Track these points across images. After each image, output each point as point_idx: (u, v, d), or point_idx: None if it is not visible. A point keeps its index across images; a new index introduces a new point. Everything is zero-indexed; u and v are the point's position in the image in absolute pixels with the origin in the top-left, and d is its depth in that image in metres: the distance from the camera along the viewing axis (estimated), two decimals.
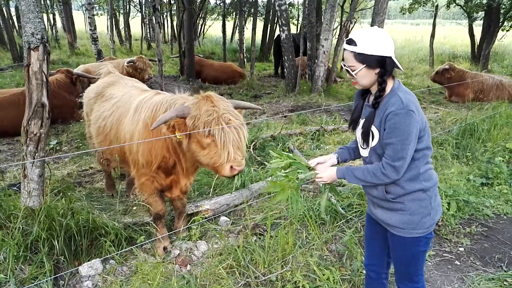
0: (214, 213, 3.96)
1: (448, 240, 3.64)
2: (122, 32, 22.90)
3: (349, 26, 9.56)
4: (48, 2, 22.19)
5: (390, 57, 1.94)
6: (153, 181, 3.16)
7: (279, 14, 9.62)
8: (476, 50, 15.82)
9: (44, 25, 2.62)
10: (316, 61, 9.49)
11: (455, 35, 28.23)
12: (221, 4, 20.47)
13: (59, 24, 23.40)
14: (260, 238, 3.55)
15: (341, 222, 3.71)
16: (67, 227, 3.03)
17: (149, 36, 22.91)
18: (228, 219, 3.92)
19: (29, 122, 2.74)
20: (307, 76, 10.36)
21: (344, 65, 2.05)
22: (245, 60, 15.48)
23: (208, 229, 3.73)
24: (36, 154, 2.84)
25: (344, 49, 2.02)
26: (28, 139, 2.78)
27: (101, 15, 27.99)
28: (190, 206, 3.83)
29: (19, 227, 2.81)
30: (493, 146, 5.62)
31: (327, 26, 8.93)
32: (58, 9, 21.79)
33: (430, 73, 13.56)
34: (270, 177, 3.66)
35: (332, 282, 2.91)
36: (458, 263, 3.33)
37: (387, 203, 2.07)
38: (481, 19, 15.93)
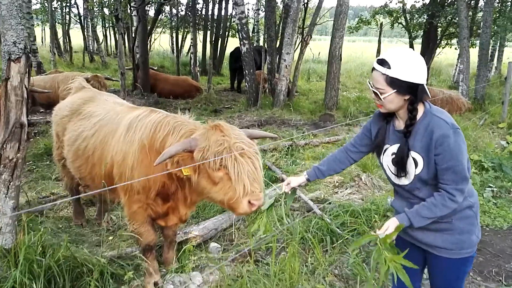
0: (202, 239, 3.66)
1: None
2: (61, 44, 21.52)
3: (309, 40, 9.72)
4: None
5: (423, 84, 1.86)
6: (146, 208, 2.81)
7: (239, 28, 9.53)
8: None
9: (27, 33, 2.23)
10: (278, 75, 9.49)
11: None
12: (173, 18, 20.06)
13: None
14: (258, 265, 3.32)
15: (339, 242, 3.59)
16: (46, 267, 2.60)
17: (91, 48, 21.75)
18: (219, 246, 3.64)
19: (4, 146, 2.30)
20: (267, 90, 10.33)
21: (371, 86, 1.94)
22: (198, 74, 15.18)
23: (200, 257, 3.42)
24: (11, 183, 2.39)
25: (374, 68, 1.91)
26: (2, 165, 2.33)
27: (38, 25, 26.17)
28: (179, 233, 3.50)
29: None
30: None
31: (288, 41, 8.98)
32: None
33: None
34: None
35: None
36: None
37: (433, 225, 1.96)
38: (420, 38, 17.09)
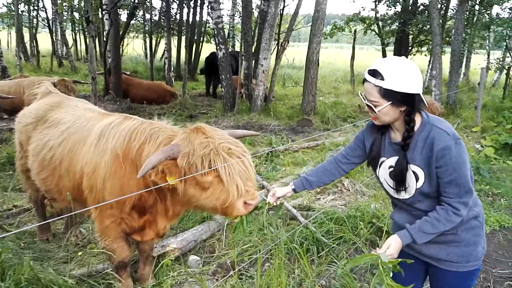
0: (181, 252, 3.44)
1: None
2: (28, 48, 20.66)
3: (286, 45, 9.65)
4: None
5: (419, 94, 1.75)
6: (120, 223, 2.58)
7: (215, 32, 9.35)
8: None
9: None
10: (255, 80, 9.36)
11: (362, 58, 30.65)
12: (146, 22, 19.65)
13: None
14: (242, 279, 3.13)
15: (325, 251, 3.45)
16: None
17: (60, 52, 20.98)
18: (199, 258, 3.43)
19: None
20: (243, 95, 10.18)
21: (364, 98, 1.82)
22: (173, 79, 14.87)
23: (180, 272, 3.20)
24: None
25: (366, 80, 1.79)
26: None
27: (3, 29, 25.06)
28: (156, 247, 3.26)
29: None
30: None
31: (266, 46, 8.88)
32: None
33: (353, 92, 14.35)
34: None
35: None
36: None
37: (437, 237, 1.84)
38: (392, 45, 17.42)
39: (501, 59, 15.14)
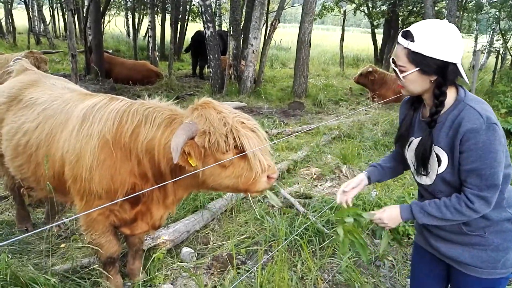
0: (173, 244, 3.20)
1: None
2: (4, 24, 19.64)
3: (277, 25, 9.28)
4: None
5: (455, 64, 1.50)
6: (108, 215, 2.32)
7: (203, 10, 8.90)
8: (378, 54, 17.02)
9: None
10: (244, 61, 9.00)
11: (351, 40, 30.38)
12: None
13: None
14: (239, 273, 2.91)
15: (326, 243, 3.26)
16: None
17: (37, 29, 20.02)
18: (192, 250, 3.20)
19: None
20: (232, 76, 9.83)
21: (394, 63, 1.59)
22: (157, 58, 14.34)
23: (172, 267, 2.97)
24: None
25: (398, 42, 1.57)
26: None
27: None
28: (146, 239, 3.01)
29: None
30: None
31: (256, 24, 8.51)
32: None
33: (342, 75, 14.14)
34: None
35: None
36: None
37: (461, 237, 1.65)
38: (381, 27, 17.18)
39: (488, 42, 15.10)
